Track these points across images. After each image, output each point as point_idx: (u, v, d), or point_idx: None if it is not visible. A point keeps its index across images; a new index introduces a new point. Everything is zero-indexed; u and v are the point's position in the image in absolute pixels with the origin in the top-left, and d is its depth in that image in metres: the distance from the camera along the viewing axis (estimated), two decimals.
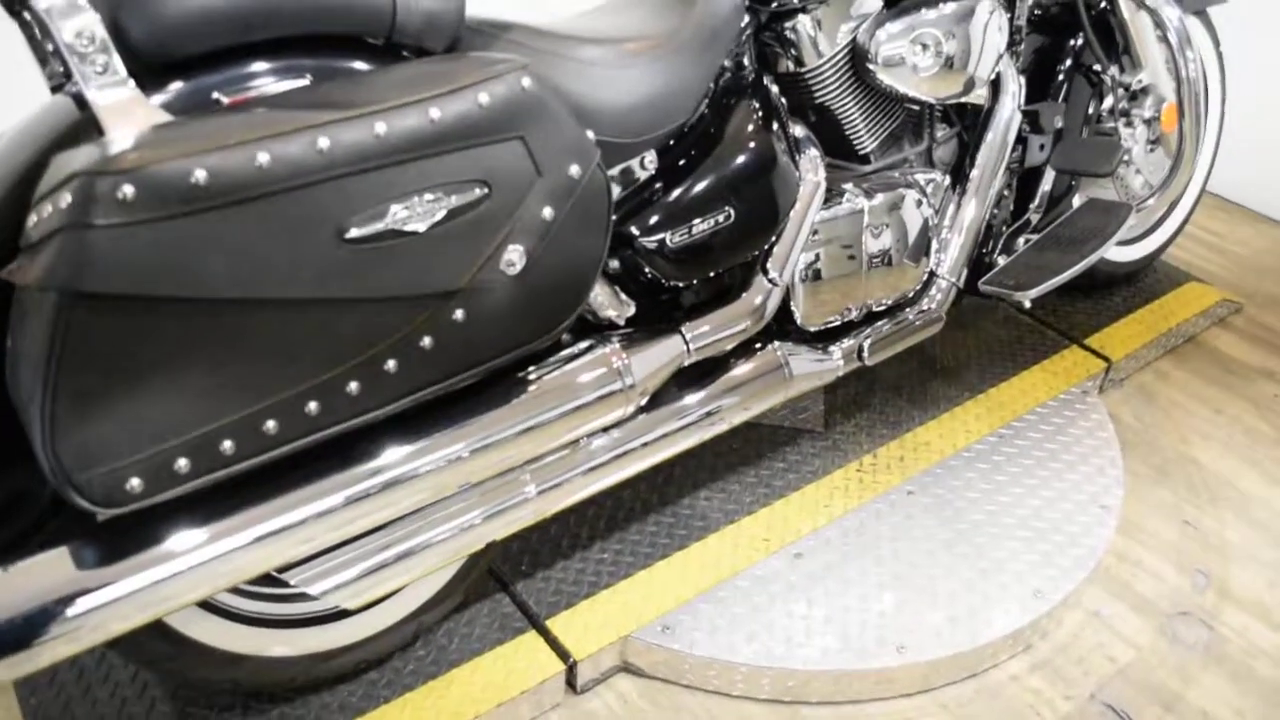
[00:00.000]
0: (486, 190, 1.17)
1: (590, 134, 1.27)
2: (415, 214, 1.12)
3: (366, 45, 1.25)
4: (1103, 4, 2.18)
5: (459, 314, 1.20)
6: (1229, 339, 2.63)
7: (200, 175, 0.99)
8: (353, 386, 1.16)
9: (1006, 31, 1.91)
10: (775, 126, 1.66)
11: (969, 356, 2.37)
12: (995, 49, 1.88)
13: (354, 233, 1.09)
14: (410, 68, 1.19)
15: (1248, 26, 2.76)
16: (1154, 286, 2.71)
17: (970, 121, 2.05)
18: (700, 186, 1.54)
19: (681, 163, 1.55)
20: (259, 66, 1.18)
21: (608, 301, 1.51)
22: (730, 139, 1.58)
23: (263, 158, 1.03)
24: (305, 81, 1.20)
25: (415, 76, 1.16)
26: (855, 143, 1.87)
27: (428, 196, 1.13)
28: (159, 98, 1.12)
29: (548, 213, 1.23)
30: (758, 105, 1.64)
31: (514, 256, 1.21)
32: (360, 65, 1.24)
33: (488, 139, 1.16)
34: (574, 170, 1.24)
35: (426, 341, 1.18)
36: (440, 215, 1.14)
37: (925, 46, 1.78)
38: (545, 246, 1.23)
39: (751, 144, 1.60)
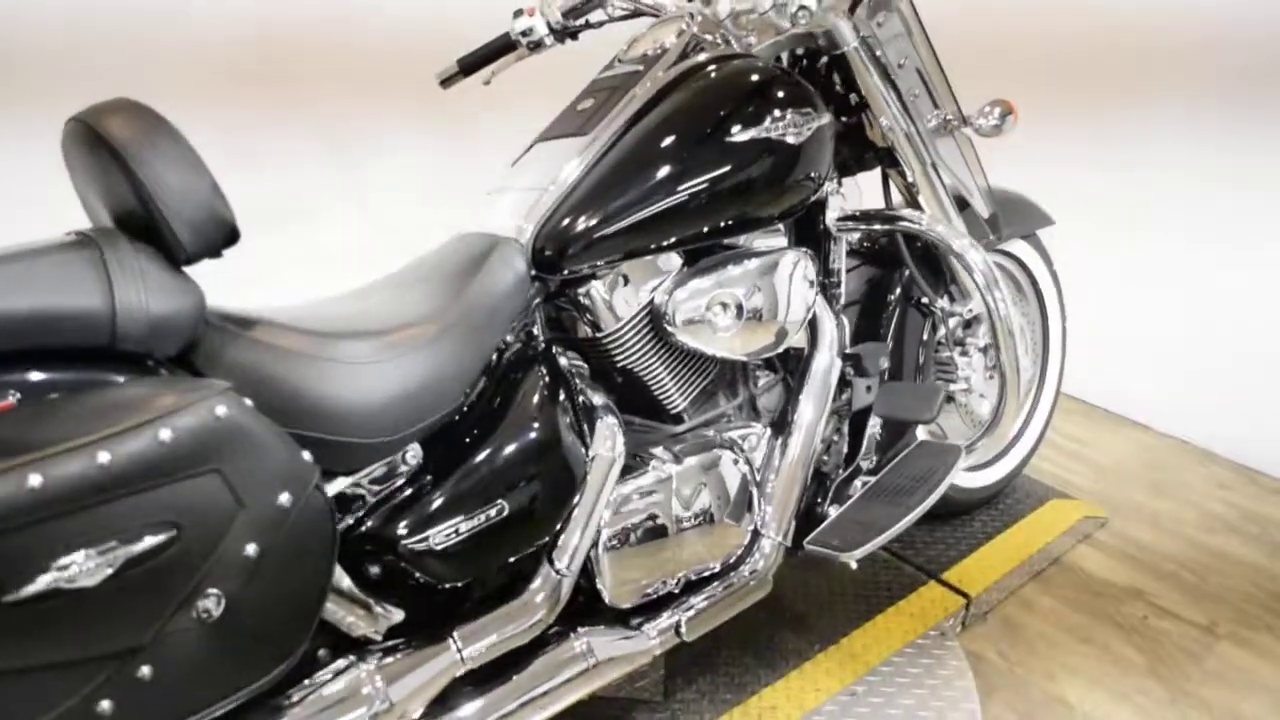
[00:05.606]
0: (174, 533, 1.05)
1: (307, 455, 1.17)
2: (83, 570, 1.00)
3: (94, 353, 1.15)
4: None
5: (145, 671, 1.06)
6: (1095, 557, 2.56)
7: None
8: None
9: (815, 279, 1.88)
10: (564, 401, 1.58)
11: (821, 601, 2.26)
12: (803, 299, 1.85)
13: (8, 596, 0.96)
14: (96, 397, 1.09)
15: (1089, 241, 2.85)
16: (1015, 507, 2.65)
17: (794, 366, 2.00)
18: (470, 480, 1.44)
19: (450, 454, 1.45)
20: None
21: (361, 618, 1.37)
22: (508, 422, 1.49)
23: None
24: (12, 401, 1.10)
25: (97, 409, 1.06)
26: (665, 403, 1.80)
27: (99, 548, 1.01)
28: None
29: (251, 549, 1.11)
30: (544, 381, 1.56)
31: (210, 602, 1.09)
32: (83, 375, 1.14)
33: (174, 477, 1.05)
34: (284, 499, 1.13)
35: (105, 706, 1.04)
36: (116, 567, 1.01)
37: (725, 305, 1.73)
38: (250, 585, 1.11)
39: (533, 425, 1.51)
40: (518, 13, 2.07)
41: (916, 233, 2.01)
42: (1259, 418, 3.02)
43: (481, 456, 1.46)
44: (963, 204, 2.20)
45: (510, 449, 1.48)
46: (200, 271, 1.27)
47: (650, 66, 1.83)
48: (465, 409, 1.49)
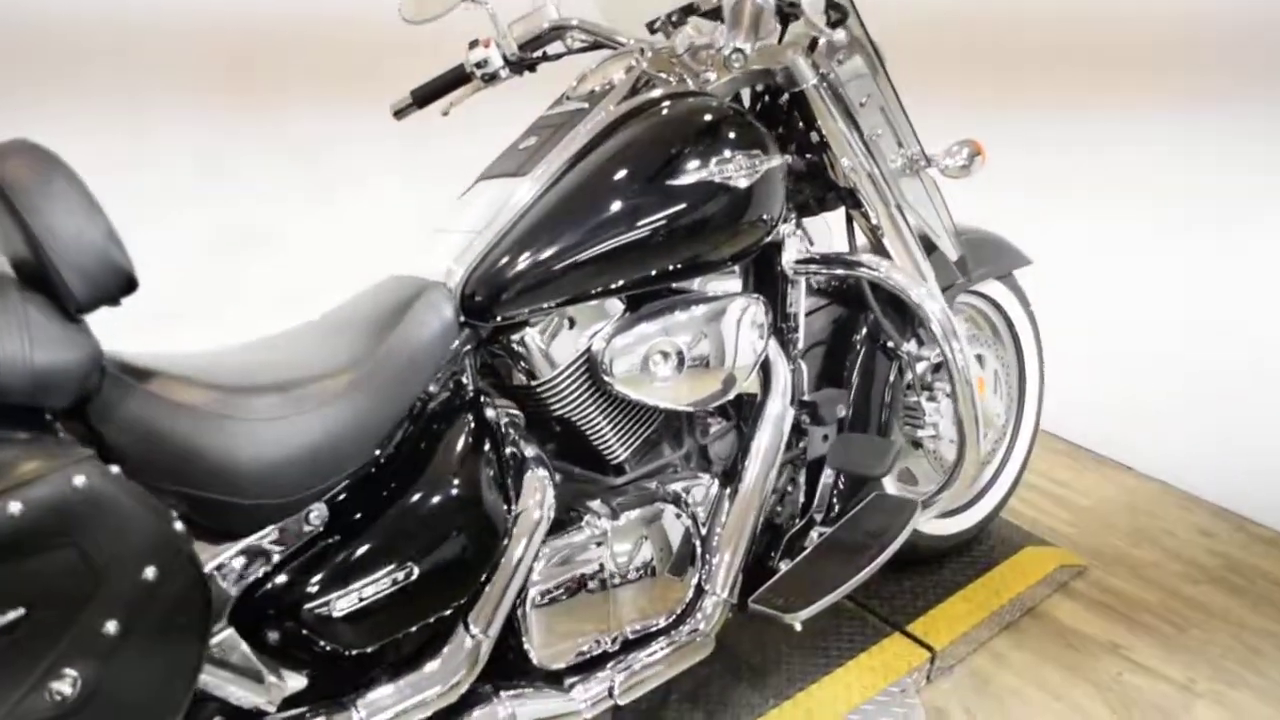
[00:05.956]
0: (22, 613, 0.99)
1: (179, 525, 1.11)
2: None
3: None
4: None
5: None
6: (1071, 608, 2.48)
7: None
8: None
9: (766, 324, 1.81)
10: (489, 454, 1.51)
11: (779, 652, 2.18)
12: (751, 346, 1.78)
13: None
14: None
15: (1073, 283, 2.79)
16: (988, 554, 2.57)
17: (747, 414, 1.93)
18: (377, 540, 1.37)
19: (359, 512, 1.39)
20: None
21: (253, 689, 1.31)
22: (425, 478, 1.43)
23: None
24: None
25: None
26: (606, 454, 1.73)
27: None
28: None
29: (112, 627, 1.05)
30: (468, 433, 1.50)
31: (65, 685, 1.02)
32: None
33: (23, 553, 0.99)
34: (149, 572, 1.07)
35: None
36: None
37: (665, 354, 1.67)
38: (111, 666, 1.05)
39: (451, 481, 1.44)
40: (473, 43, 2.00)
41: (875, 279, 1.94)
42: (1246, 462, 2.93)
43: (392, 515, 1.39)
44: (930, 246, 2.13)
45: (424, 506, 1.41)
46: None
47: (596, 104, 1.77)
48: (380, 464, 1.42)
